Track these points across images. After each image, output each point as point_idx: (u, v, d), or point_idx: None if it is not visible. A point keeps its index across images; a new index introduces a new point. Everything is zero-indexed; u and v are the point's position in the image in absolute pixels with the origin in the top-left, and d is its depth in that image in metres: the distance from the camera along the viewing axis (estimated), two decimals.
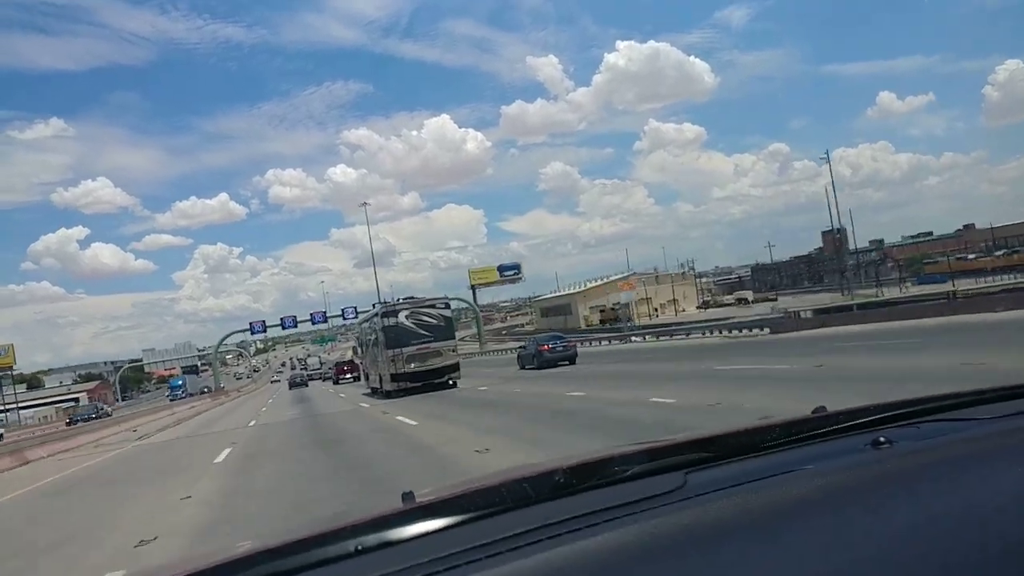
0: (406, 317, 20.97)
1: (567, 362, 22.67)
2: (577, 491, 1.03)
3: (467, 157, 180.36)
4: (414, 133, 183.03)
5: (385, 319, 21.12)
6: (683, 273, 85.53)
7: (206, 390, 68.22)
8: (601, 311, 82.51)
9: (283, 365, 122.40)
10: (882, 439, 1.12)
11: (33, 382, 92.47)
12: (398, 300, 22.02)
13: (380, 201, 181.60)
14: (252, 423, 18.25)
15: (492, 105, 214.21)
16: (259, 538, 1.14)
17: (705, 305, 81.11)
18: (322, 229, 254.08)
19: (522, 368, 24.16)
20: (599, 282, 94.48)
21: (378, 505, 1.13)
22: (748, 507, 0.93)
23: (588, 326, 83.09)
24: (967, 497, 0.94)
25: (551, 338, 24.80)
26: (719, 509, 0.92)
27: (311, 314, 64.45)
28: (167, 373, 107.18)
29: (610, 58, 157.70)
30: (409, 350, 20.40)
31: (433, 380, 20.02)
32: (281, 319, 66.10)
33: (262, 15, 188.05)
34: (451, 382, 20.52)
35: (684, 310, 79.54)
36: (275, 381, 76.87)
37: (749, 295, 77.17)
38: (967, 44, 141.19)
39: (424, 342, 20.63)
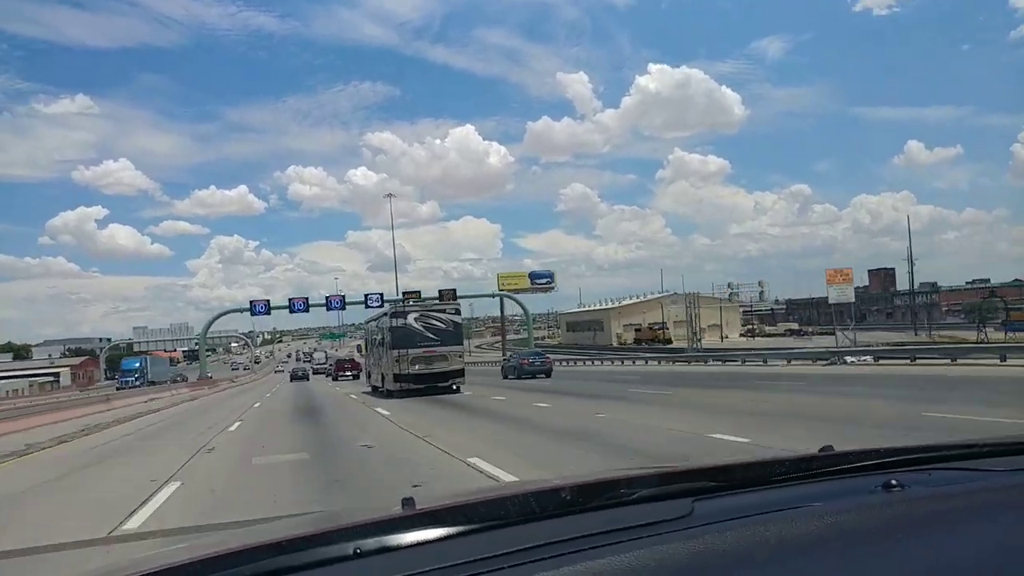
0: (415, 319, 22.45)
1: (544, 375, 29.52)
2: (583, 510, 1.09)
3: (489, 170, 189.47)
4: (438, 142, 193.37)
5: (394, 319, 22.54)
6: (729, 297, 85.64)
7: (179, 378, 60.66)
8: (637, 330, 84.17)
9: (288, 357, 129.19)
10: (893, 482, 1.16)
11: (21, 353, 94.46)
12: (409, 301, 23.14)
13: (399, 207, 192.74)
14: (203, 448, 11.09)
15: (518, 119, 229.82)
16: (259, 531, 1.12)
17: (751, 333, 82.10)
18: (339, 230, 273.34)
19: (504, 378, 29.95)
20: (634, 300, 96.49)
21: (377, 508, 1.22)
22: (756, 539, 0.98)
23: (621, 344, 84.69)
24: (977, 548, 0.97)
25: (532, 354, 33.25)
26: (727, 539, 0.97)
27: (327, 298, 62.51)
28: (168, 355, 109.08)
29: (641, 81, 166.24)
30: (415, 352, 21.86)
31: (437, 384, 21.45)
32: (290, 300, 61.73)
33: (295, 6, 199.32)
34: (455, 387, 21.90)
35: (727, 337, 78.80)
36: (279, 371, 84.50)
37: (794, 326, 79.46)
38: (1000, 98, 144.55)
39: (431, 345, 22.13)
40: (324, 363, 75.79)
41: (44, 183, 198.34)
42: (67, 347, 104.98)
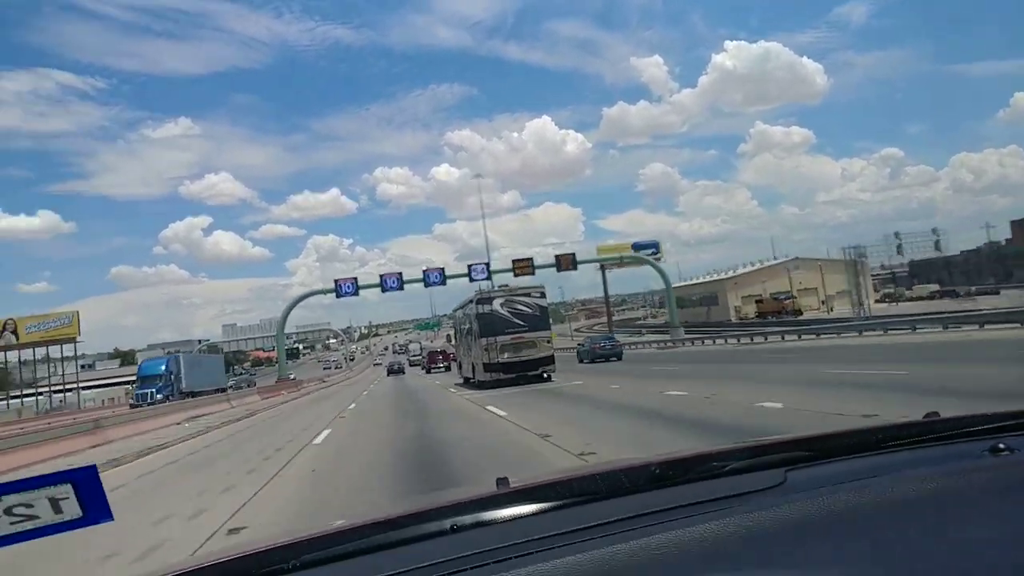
0: (501, 305, 23.63)
1: (615, 358, 34.62)
2: (675, 483, 1.18)
3: (567, 158, 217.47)
4: (515, 135, 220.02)
5: (479, 306, 23.80)
6: (856, 262, 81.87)
7: (244, 384, 51.38)
8: (758, 301, 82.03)
9: (385, 350, 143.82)
10: (1001, 446, 1.19)
11: (127, 359, 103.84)
12: (494, 288, 24.97)
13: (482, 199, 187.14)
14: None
15: (593, 107, 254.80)
16: (360, 514, 1.43)
17: (889, 299, 79.05)
18: (426, 224, 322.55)
19: (579, 362, 34.04)
20: (751, 268, 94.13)
21: (474, 487, 1.31)
22: (851, 505, 1.02)
23: (741, 319, 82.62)
24: None
25: (604, 339, 38.01)
26: (820, 506, 1.02)
27: (424, 272, 60.57)
28: (266, 356, 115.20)
29: (718, 59, 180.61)
30: (503, 339, 22.99)
31: (527, 372, 22.55)
32: (381, 277, 58.62)
33: (370, 16, 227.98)
34: (545, 375, 22.94)
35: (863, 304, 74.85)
36: (377, 364, 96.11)
37: (934, 287, 77.10)
38: None
39: (519, 332, 23.23)
40: (419, 354, 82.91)
41: (155, 199, 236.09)
42: (167, 350, 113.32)
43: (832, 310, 63.03)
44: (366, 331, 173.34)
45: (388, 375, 52.71)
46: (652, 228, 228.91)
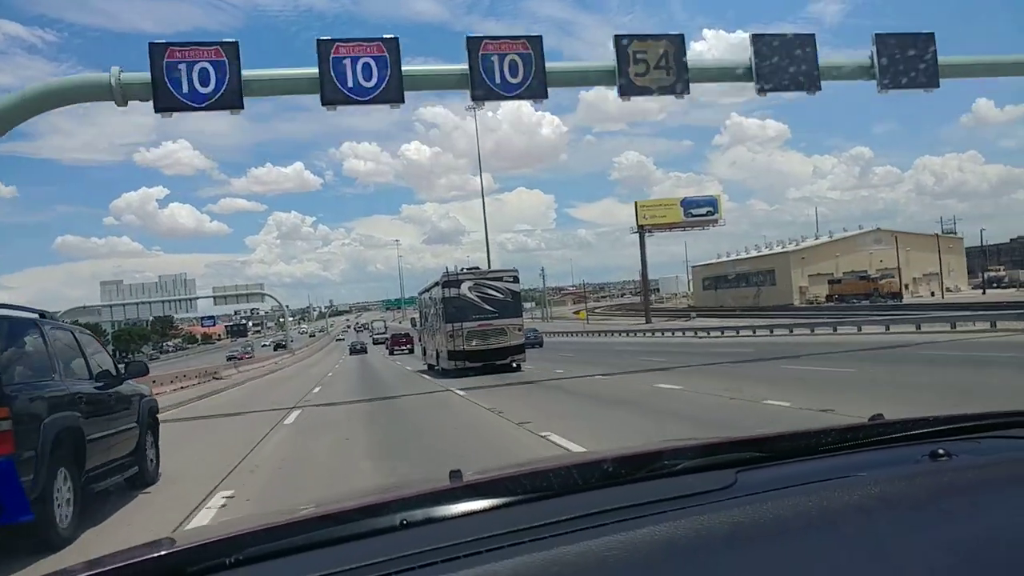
0: (469, 289, 26.30)
1: (538, 346, 45.59)
2: (625, 482, 1.40)
3: (542, 141, 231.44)
4: (490, 114, 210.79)
5: (446, 289, 26.44)
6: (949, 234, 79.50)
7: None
8: (833, 281, 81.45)
9: (346, 330, 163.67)
10: (941, 451, 1.44)
11: None
12: (461, 269, 27.91)
13: (452, 181, 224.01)
14: None
15: (571, 89, 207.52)
16: (308, 504, 1.62)
17: (991, 283, 76.71)
18: (394, 204, 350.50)
19: None
20: (820, 240, 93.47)
21: (425, 481, 1.54)
22: (800, 509, 1.23)
23: (809, 301, 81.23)
24: None
25: (529, 331, 40.83)
26: (769, 509, 1.22)
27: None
28: (206, 331, 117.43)
29: (696, 47, 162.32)
30: (470, 326, 25.79)
31: (495, 361, 25.50)
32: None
33: None
34: (515, 364, 26.00)
35: (957, 288, 76.45)
36: (340, 340, 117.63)
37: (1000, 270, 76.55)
38: None
39: (488, 318, 26.00)
40: (383, 332, 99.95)
41: (107, 166, 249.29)
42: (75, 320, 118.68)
43: (934, 293, 63.12)
44: (326, 310, 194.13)
45: (351, 354, 68.50)
46: (624, 219, 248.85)
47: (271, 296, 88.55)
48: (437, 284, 28.57)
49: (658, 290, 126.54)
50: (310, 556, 1.19)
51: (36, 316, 7.60)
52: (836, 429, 1.67)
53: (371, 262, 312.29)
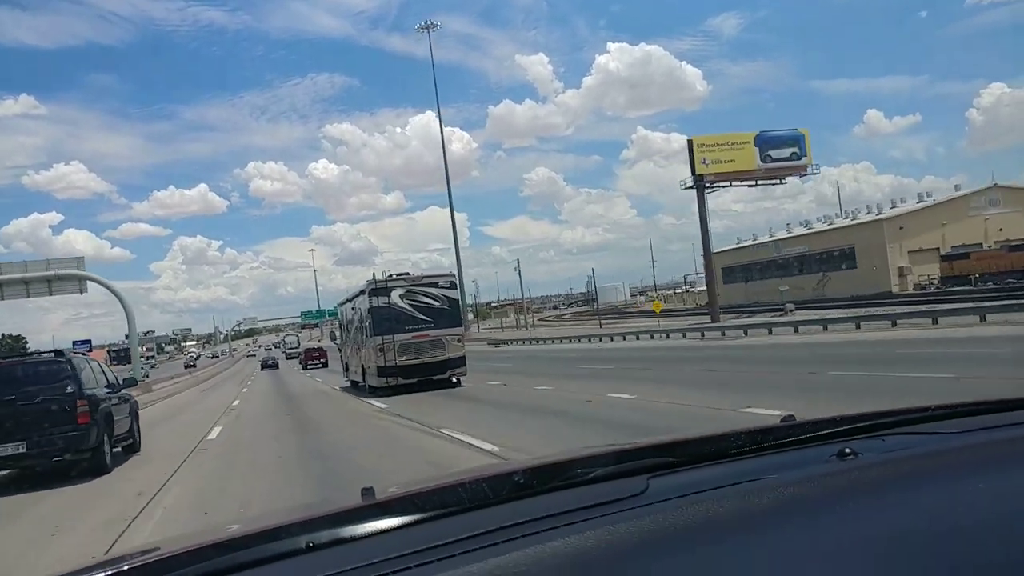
0: (401, 297, 25.64)
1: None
2: (537, 493, 1.50)
3: (452, 157, 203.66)
4: (398, 130, 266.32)
5: (373, 298, 25.92)
6: None
7: None
8: (953, 257, 66.53)
9: (257, 348, 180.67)
10: (848, 450, 1.62)
11: None
12: (390, 275, 26.68)
13: (363, 200, 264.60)
14: None
15: (479, 105, 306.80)
16: (208, 530, 1.73)
17: None
18: (303, 226, 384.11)
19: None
20: (923, 204, 77.27)
21: (337, 500, 1.71)
22: (711, 515, 1.33)
23: (920, 287, 66.87)
24: (933, 511, 1.35)
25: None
26: (681, 516, 1.31)
27: None
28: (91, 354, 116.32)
29: (601, 60, 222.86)
30: (403, 338, 25.15)
31: (431, 376, 25.23)
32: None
33: None
34: (454, 379, 25.95)
35: None
36: (251, 356, 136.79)
37: None
38: (954, 66, 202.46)
39: (422, 329, 25.43)
40: (296, 347, 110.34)
41: None
42: None
43: None
44: (235, 332, 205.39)
45: (263, 369, 76.80)
46: (536, 236, 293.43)
47: (97, 281, 57.77)
48: (362, 292, 27.74)
49: (594, 300, 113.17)
50: None
51: (83, 353, 17.59)
52: (747, 432, 1.81)
53: (281, 285, 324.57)
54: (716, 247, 70.04)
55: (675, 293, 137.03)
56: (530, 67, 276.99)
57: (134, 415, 17.19)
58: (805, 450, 1.71)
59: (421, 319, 25.37)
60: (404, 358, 24.95)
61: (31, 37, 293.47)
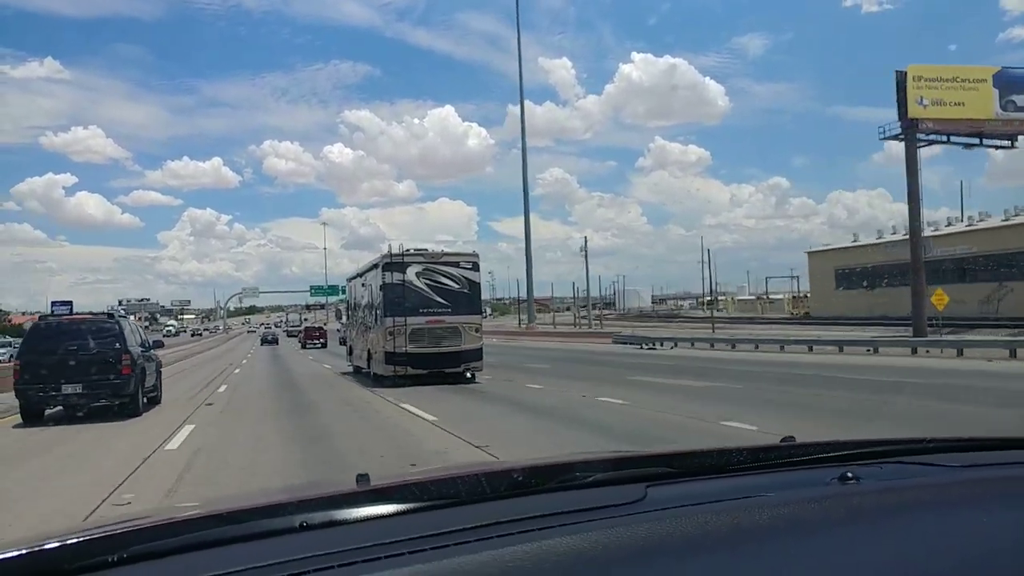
0: (417, 275, 23.81)
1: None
2: (535, 492, 1.55)
3: (468, 152, 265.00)
4: (416, 121, 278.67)
5: (387, 273, 24.11)
6: None
7: None
8: None
9: (259, 325, 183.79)
10: (849, 475, 1.65)
11: None
12: (407, 249, 24.87)
13: (375, 186, 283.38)
14: None
15: (499, 103, 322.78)
16: (205, 503, 1.89)
17: None
18: (313, 207, 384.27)
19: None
20: None
21: (332, 483, 1.87)
22: (708, 527, 1.35)
23: None
24: (931, 542, 1.39)
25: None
26: (677, 526, 1.33)
27: None
28: (23, 320, 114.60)
29: (625, 69, 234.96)
30: (416, 322, 23.28)
31: (444, 368, 23.48)
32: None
33: None
34: (469, 373, 24.26)
35: None
36: (252, 331, 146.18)
37: None
38: None
39: (438, 313, 23.61)
40: (298, 325, 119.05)
41: (9, 148, 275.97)
42: None
43: None
44: (234, 307, 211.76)
45: (262, 344, 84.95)
46: (545, 236, 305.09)
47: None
48: (375, 267, 25.70)
49: (612, 304, 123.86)
50: (198, 556, 1.28)
51: (125, 314, 24.81)
52: (747, 449, 1.85)
53: (287, 264, 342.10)
54: (809, 246, 73.60)
55: (759, 299, 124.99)
56: (553, 70, 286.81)
57: (158, 372, 21.72)
58: (805, 471, 1.76)
59: (438, 302, 23.51)
60: (415, 345, 23.08)
61: (63, 6, 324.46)
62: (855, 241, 79.11)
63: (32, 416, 17.24)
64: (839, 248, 76.96)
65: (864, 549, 1.29)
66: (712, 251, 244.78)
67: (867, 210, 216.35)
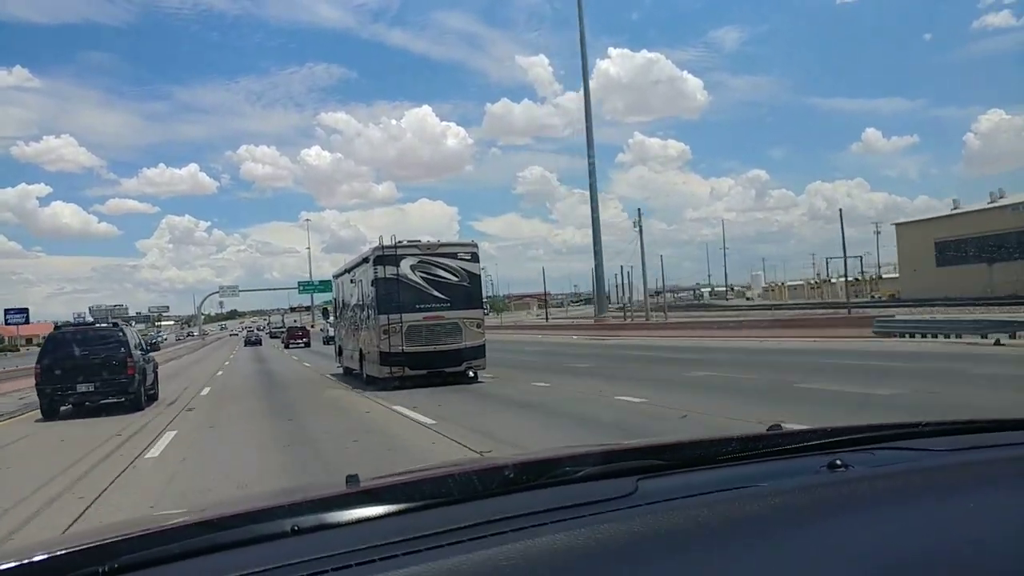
0: (412, 268, 22.63)
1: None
2: (526, 488, 1.55)
3: (447, 152, 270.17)
4: (394, 122, 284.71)
5: (379, 268, 23.10)
6: None
7: None
8: None
9: (242, 329, 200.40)
10: (838, 462, 1.69)
11: None
12: (400, 241, 23.98)
13: (354, 188, 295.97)
14: None
15: (476, 103, 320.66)
16: (195, 509, 1.84)
17: None
18: (292, 211, 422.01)
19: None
20: None
21: (321, 486, 1.84)
22: (700, 519, 1.36)
23: None
24: (922, 527, 1.40)
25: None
26: (669, 519, 1.35)
27: None
28: (29, 333, 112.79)
29: (602, 64, 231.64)
30: (412, 319, 22.25)
31: (444, 368, 22.74)
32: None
33: None
34: (470, 372, 23.59)
35: None
36: (233, 335, 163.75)
37: None
38: (954, 90, 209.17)
39: (436, 309, 22.58)
40: (281, 327, 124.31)
41: None
42: None
43: None
44: (212, 312, 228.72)
45: (246, 345, 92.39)
46: (526, 234, 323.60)
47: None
48: (365, 261, 24.99)
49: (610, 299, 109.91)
50: (191, 564, 1.31)
51: (127, 323, 32.84)
52: (736, 438, 1.87)
53: (267, 269, 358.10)
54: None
55: (811, 284, 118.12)
56: (530, 68, 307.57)
57: (155, 372, 26.11)
58: (795, 460, 1.78)
59: (436, 297, 22.49)
60: (413, 344, 22.20)
61: (30, 13, 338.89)
62: (955, 209, 70.44)
63: (51, 412, 20.60)
64: (941, 216, 68.43)
65: (856, 536, 1.32)
66: (696, 244, 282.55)
67: (846, 200, 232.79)
